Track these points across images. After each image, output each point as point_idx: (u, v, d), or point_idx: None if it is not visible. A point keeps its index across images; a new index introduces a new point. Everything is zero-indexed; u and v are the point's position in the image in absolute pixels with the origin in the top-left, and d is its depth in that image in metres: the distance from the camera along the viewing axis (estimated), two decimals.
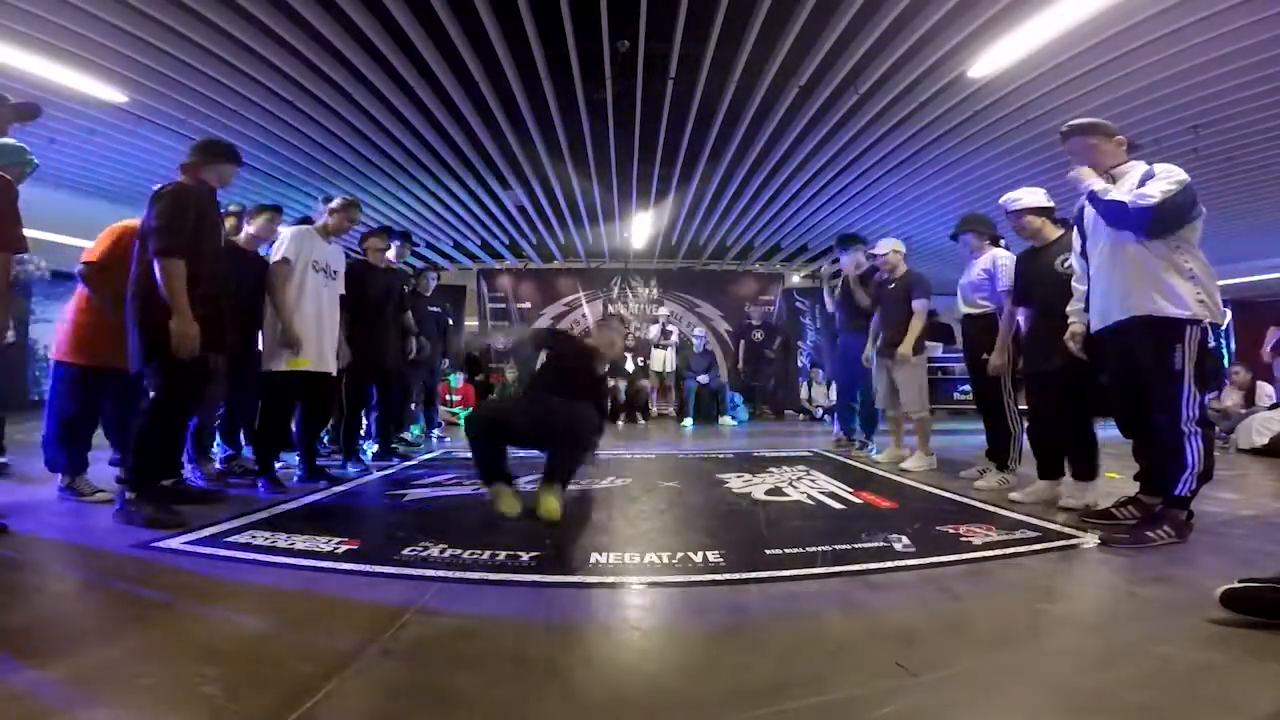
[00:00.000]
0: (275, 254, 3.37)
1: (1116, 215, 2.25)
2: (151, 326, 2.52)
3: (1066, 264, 2.76)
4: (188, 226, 2.57)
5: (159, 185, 2.64)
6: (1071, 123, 2.49)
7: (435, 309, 5.92)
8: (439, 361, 6.15)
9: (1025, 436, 3.32)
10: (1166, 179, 2.18)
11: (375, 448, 4.53)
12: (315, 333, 3.37)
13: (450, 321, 8.09)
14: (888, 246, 4.42)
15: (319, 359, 3.38)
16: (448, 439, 6.03)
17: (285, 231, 3.50)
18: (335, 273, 3.58)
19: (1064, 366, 2.73)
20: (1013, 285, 3.23)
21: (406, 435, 5.41)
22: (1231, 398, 5.84)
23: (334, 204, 3.58)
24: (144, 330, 2.54)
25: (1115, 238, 2.30)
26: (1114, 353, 2.39)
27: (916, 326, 4.11)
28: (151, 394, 2.59)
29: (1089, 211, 2.49)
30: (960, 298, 3.67)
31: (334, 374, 3.53)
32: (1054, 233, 3.03)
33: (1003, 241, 3.64)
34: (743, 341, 10.36)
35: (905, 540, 2.23)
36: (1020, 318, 3.17)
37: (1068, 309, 2.66)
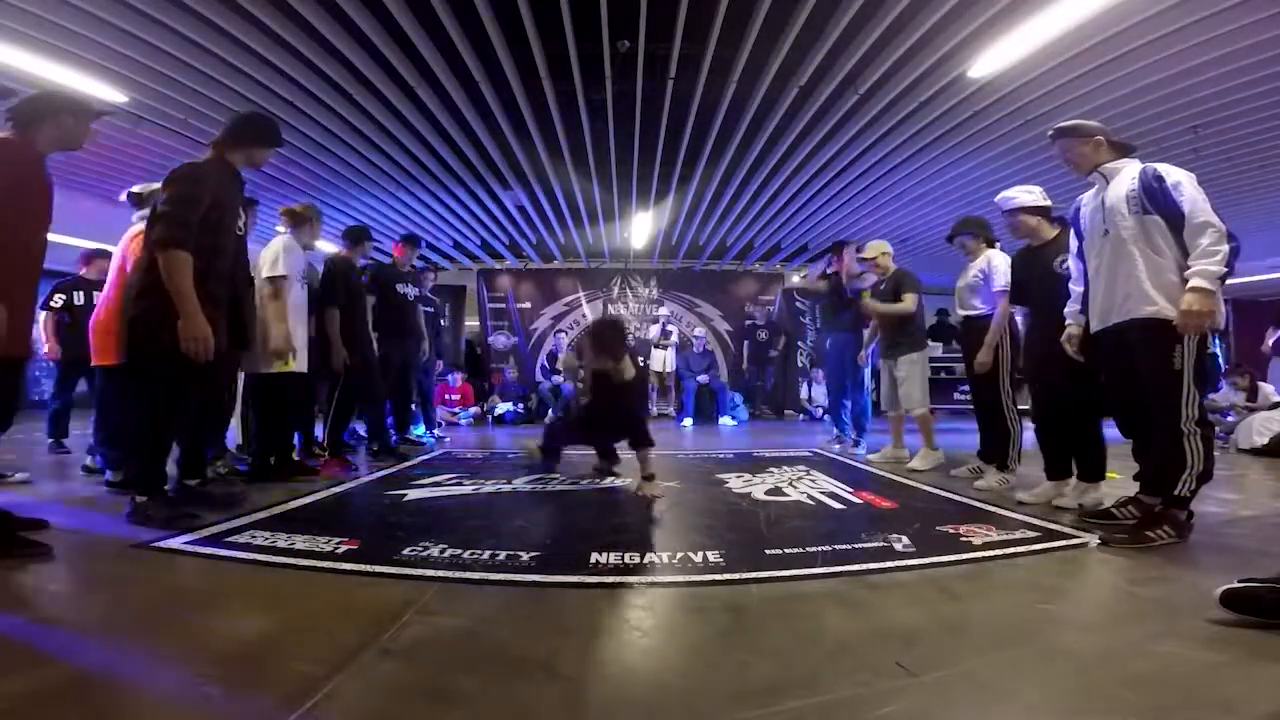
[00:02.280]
0: (270, 268, 3.42)
1: None
2: (139, 322, 2.29)
3: (1064, 264, 2.76)
4: (195, 216, 2.30)
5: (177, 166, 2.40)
6: (1056, 126, 2.51)
7: (428, 309, 5.82)
8: (432, 362, 6.09)
9: (1024, 436, 3.33)
10: (1192, 184, 2.17)
11: (375, 447, 4.52)
12: (302, 338, 3.59)
13: (442, 321, 8.05)
14: (875, 250, 4.47)
15: (301, 361, 3.56)
16: (448, 439, 6.04)
17: (278, 244, 3.53)
18: (305, 277, 3.74)
19: (1064, 368, 2.72)
20: (1009, 284, 3.23)
21: (411, 436, 5.41)
22: (1232, 398, 5.85)
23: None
24: (131, 326, 2.31)
25: (1117, 238, 2.30)
26: (1114, 353, 2.38)
27: (897, 308, 4.20)
28: (137, 395, 2.37)
29: (1085, 211, 2.49)
30: (957, 300, 3.67)
31: (305, 371, 3.67)
32: (1050, 232, 3.03)
33: (998, 244, 3.64)
34: (746, 341, 10.37)
35: (905, 540, 2.23)
36: (1019, 317, 3.16)
37: (1065, 311, 2.66)
